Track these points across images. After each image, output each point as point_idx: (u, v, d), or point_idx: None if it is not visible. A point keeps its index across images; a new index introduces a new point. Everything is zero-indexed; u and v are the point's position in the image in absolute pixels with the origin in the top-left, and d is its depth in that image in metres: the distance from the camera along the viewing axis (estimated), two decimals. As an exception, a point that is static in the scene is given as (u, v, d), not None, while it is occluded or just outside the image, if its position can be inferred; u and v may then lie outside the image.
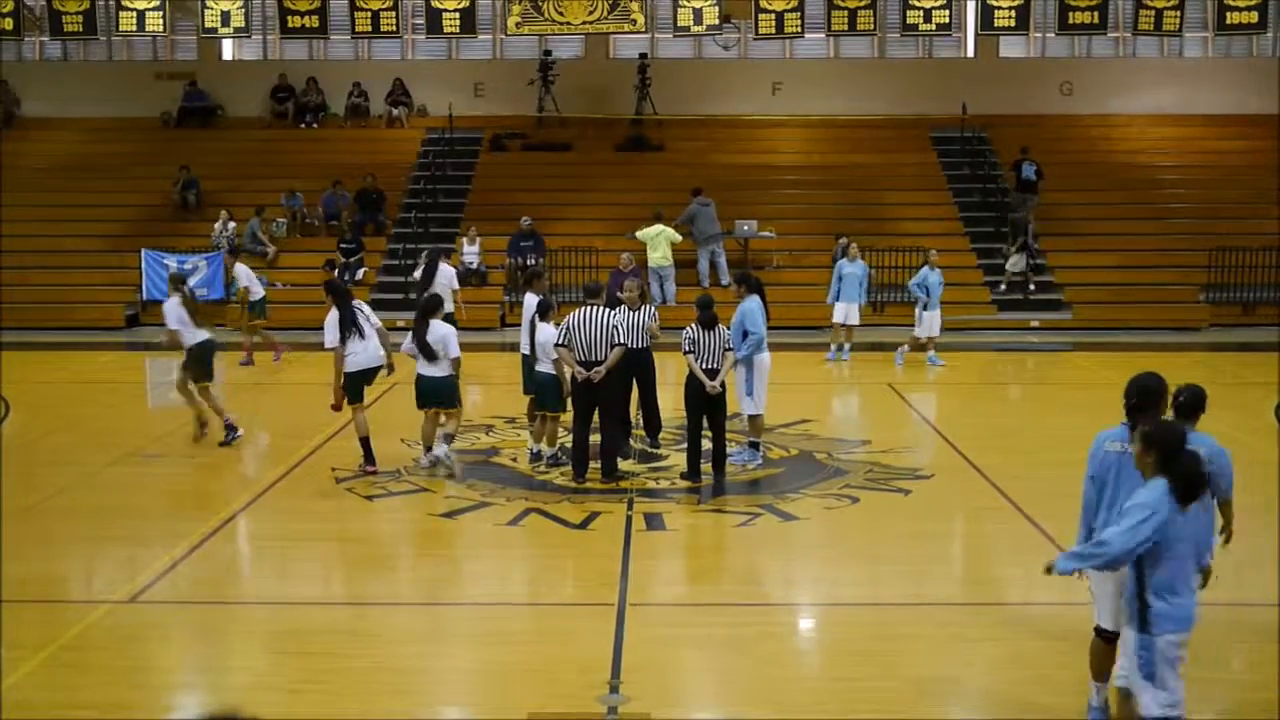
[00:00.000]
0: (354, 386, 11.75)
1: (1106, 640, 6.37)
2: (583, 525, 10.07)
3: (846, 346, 18.69)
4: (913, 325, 18.04)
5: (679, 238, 22.53)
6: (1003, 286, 23.44)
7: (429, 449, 11.65)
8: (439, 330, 11.38)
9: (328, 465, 11.97)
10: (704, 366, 11.10)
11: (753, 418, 12.05)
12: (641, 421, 12.81)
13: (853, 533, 10.16)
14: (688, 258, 23.03)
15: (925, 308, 17.84)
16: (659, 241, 22.30)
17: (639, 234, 22.45)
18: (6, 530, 9.58)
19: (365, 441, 11.77)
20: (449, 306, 17.53)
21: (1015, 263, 23.41)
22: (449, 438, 11.59)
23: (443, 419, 11.66)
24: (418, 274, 17.44)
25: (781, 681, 7.10)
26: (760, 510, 10.48)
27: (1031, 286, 23.39)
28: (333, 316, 11.59)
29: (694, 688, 7.24)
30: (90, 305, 22.90)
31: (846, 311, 18.54)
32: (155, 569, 8.89)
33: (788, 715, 6.70)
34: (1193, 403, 6.45)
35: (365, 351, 11.74)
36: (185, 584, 8.86)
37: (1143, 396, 6.15)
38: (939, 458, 12.57)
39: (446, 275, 16.93)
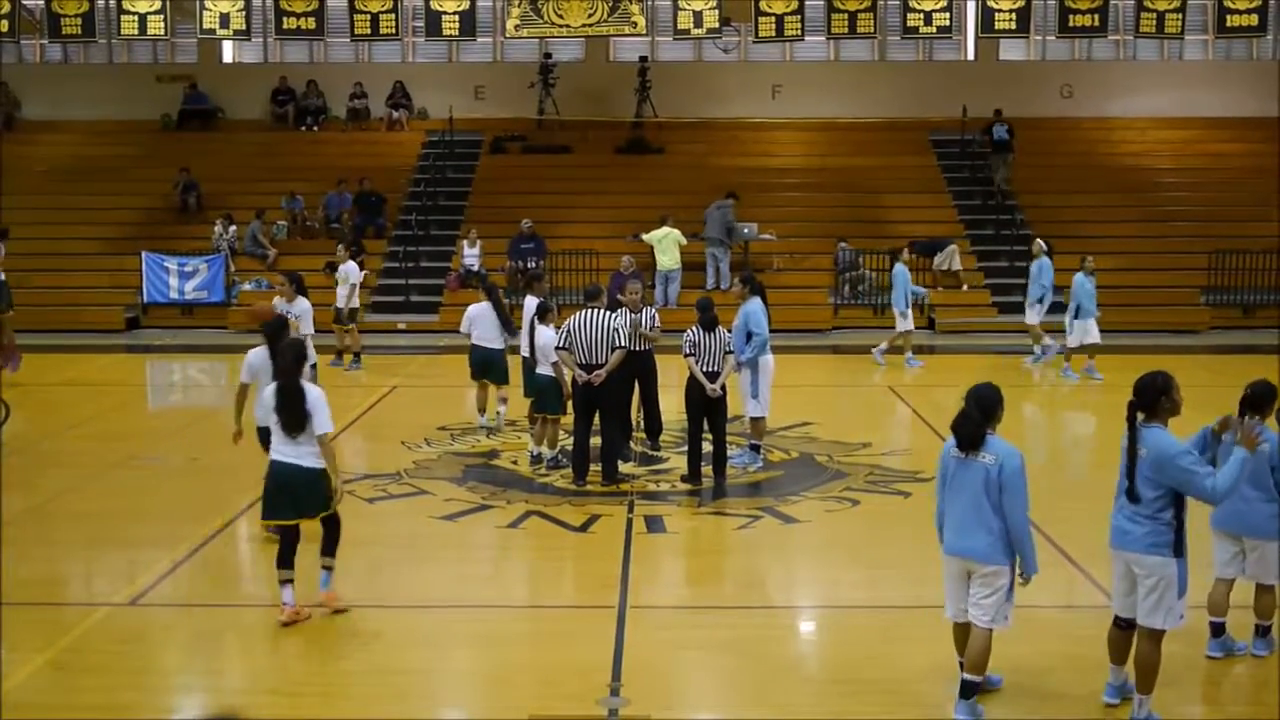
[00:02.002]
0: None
1: (1123, 629, 6.47)
2: (583, 528, 10.08)
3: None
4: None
5: (685, 240, 22.49)
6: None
7: (483, 411, 13.38)
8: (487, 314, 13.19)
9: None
10: (705, 369, 11.08)
11: (755, 420, 12.03)
12: (642, 424, 12.81)
13: (853, 535, 10.17)
14: (694, 260, 23.00)
15: (1076, 315, 17.36)
16: (667, 244, 22.26)
17: (646, 236, 22.40)
18: (7, 533, 9.58)
19: None
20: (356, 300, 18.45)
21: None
22: (504, 400, 13.47)
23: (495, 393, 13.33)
24: (347, 278, 18.27)
25: (782, 684, 7.10)
26: (761, 513, 10.49)
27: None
28: (309, 309, 12.18)
29: (694, 690, 7.25)
30: (91, 308, 22.90)
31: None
32: (156, 571, 8.89)
33: (788, 717, 6.71)
34: (1255, 398, 6.96)
35: None
36: (186, 586, 8.87)
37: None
38: (939, 460, 12.52)
39: (350, 271, 18.30)
